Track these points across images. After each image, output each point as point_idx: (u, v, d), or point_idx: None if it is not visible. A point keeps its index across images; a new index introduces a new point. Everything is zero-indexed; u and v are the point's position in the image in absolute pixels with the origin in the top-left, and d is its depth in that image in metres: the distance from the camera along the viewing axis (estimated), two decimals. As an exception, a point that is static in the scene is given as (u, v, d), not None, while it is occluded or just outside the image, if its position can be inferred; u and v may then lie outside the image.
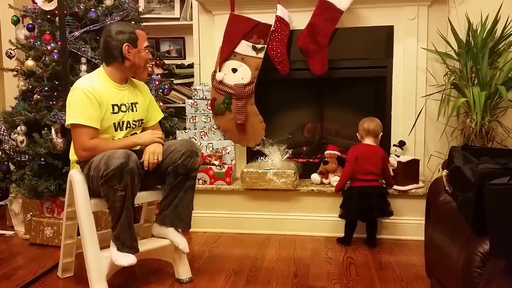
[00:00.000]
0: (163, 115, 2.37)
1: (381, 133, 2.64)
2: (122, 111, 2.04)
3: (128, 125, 2.07)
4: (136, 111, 2.11)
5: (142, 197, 2.07)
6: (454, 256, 1.45)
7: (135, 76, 2.14)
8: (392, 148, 2.75)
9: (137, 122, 2.12)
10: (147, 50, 2.07)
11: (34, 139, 2.50)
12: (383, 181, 2.62)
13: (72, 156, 2.05)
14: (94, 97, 1.93)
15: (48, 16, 2.63)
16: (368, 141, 2.61)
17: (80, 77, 2.47)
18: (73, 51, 2.52)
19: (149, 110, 2.19)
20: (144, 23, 2.94)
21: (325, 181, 2.80)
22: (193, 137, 2.91)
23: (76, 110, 1.93)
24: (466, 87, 2.47)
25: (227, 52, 2.80)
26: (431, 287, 1.85)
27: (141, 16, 2.87)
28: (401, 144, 2.74)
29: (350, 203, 2.51)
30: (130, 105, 2.08)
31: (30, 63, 2.56)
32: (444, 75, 2.69)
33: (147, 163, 1.98)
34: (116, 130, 2.03)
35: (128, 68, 2.04)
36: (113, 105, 2.01)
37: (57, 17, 2.47)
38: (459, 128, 2.62)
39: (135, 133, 2.13)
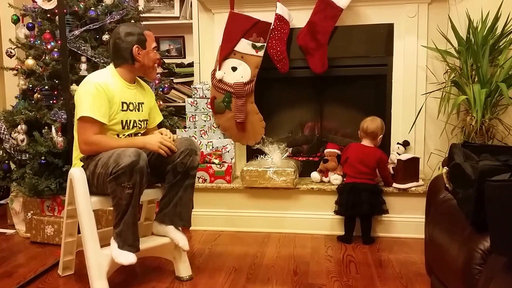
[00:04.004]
0: (162, 118, 2.37)
1: (381, 135, 2.63)
2: (130, 109, 2.05)
3: (135, 124, 2.08)
4: (142, 111, 2.13)
5: (143, 195, 2.06)
6: (454, 253, 1.45)
7: (144, 76, 2.16)
8: (395, 146, 2.75)
9: (143, 122, 2.13)
10: (155, 51, 2.09)
11: (34, 137, 2.50)
12: (380, 179, 2.63)
13: (75, 153, 2.05)
14: (104, 92, 1.94)
15: (48, 15, 2.63)
16: (365, 142, 2.62)
17: (80, 75, 2.49)
18: (73, 50, 2.53)
19: (151, 113, 2.21)
20: (144, 22, 2.94)
21: (324, 179, 2.80)
22: (193, 136, 2.91)
23: (86, 103, 1.92)
24: (466, 85, 2.47)
25: (227, 51, 2.80)
26: (431, 284, 1.84)
27: (141, 15, 2.87)
28: (405, 143, 2.73)
29: (342, 198, 2.55)
30: (137, 104, 2.10)
31: (30, 62, 2.56)
32: (444, 73, 2.68)
33: (163, 148, 1.97)
34: (123, 128, 2.04)
35: (137, 69, 2.06)
36: (122, 103, 2.02)
37: (57, 16, 2.48)
38: (459, 126, 2.61)
39: (139, 133, 2.14)
